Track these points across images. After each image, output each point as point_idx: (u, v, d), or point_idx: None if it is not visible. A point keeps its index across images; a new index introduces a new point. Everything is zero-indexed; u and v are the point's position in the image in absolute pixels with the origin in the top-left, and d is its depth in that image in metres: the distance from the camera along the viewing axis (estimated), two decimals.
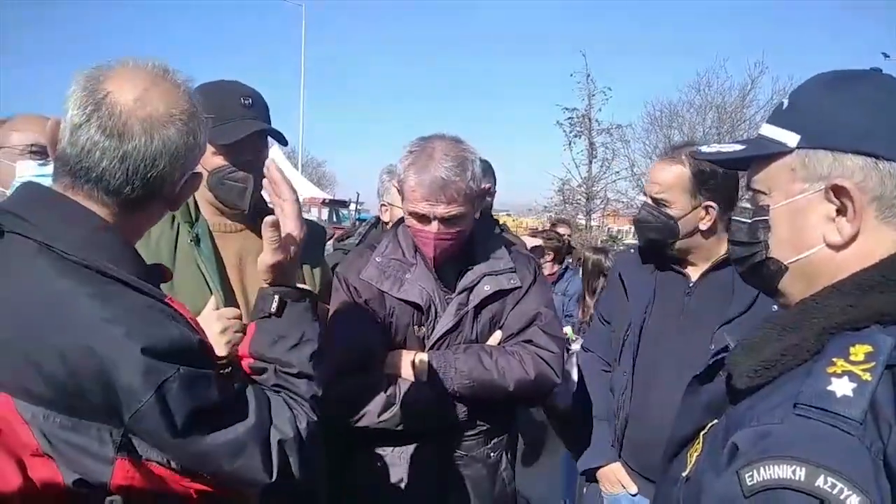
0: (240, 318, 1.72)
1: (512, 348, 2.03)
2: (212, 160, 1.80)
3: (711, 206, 2.08)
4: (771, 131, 1.01)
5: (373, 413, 1.92)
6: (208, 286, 1.75)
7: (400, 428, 1.95)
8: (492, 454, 2.11)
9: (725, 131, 19.23)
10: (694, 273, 2.20)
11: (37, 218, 1.06)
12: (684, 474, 1.06)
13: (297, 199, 1.38)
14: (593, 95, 17.48)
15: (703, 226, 2.10)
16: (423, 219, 1.93)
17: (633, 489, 2.22)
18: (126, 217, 1.13)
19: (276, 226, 1.30)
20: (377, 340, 1.99)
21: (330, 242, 3.20)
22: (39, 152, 1.99)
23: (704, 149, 1.16)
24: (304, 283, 1.83)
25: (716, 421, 1.04)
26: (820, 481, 0.74)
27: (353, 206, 20.00)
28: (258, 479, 1.10)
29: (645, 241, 2.25)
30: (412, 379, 1.97)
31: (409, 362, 1.98)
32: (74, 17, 78.66)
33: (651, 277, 2.25)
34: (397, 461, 2.02)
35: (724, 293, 2.07)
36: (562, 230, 6.68)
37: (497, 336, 2.07)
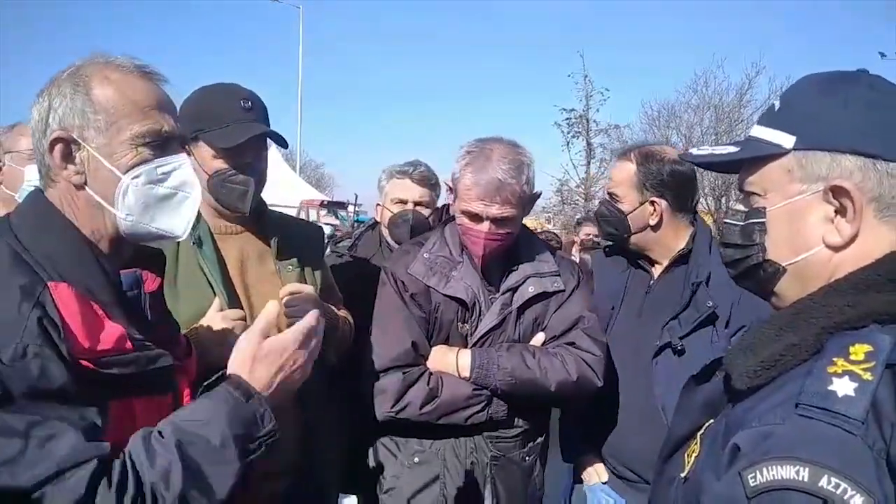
0: (244, 319, 1.73)
1: (555, 349, 2.06)
2: (212, 163, 1.82)
3: (657, 202, 2.14)
4: (764, 133, 1.01)
5: (415, 405, 1.97)
6: (212, 288, 1.75)
7: (441, 422, 2.00)
8: (527, 458, 2.15)
9: (723, 131, 19.29)
10: (657, 271, 2.24)
11: (19, 219, 1.17)
12: (682, 475, 1.06)
13: (312, 327, 1.28)
14: (591, 96, 17.60)
15: (652, 221, 2.16)
16: (476, 218, 1.98)
17: (605, 477, 2.28)
18: (71, 195, 1.19)
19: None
20: (422, 335, 2.04)
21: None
22: None
23: (695, 151, 1.15)
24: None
25: (712, 421, 1.04)
26: (824, 482, 0.74)
27: (351, 208, 19.98)
28: None
29: (605, 235, 2.33)
30: (455, 374, 2.01)
31: (452, 357, 2.02)
32: (70, 17, 78.54)
33: (624, 275, 2.31)
34: (434, 458, 2.06)
35: (680, 289, 2.12)
36: (588, 230, 6.64)
37: (540, 337, 2.10)
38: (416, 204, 2.77)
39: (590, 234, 6.51)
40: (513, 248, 2.11)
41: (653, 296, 2.21)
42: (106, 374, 1.07)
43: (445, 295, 2.04)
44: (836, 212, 0.93)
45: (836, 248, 0.94)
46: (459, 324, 2.07)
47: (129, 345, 1.12)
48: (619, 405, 2.18)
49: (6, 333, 0.99)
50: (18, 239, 1.12)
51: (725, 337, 2.03)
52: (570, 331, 2.09)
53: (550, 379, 1.99)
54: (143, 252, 1.33)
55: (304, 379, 1.28)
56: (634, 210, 2.17)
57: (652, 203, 2.15)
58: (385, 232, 2.87)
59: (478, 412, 2.01)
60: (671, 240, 2.20)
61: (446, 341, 2.08)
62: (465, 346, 2.06)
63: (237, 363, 1.21)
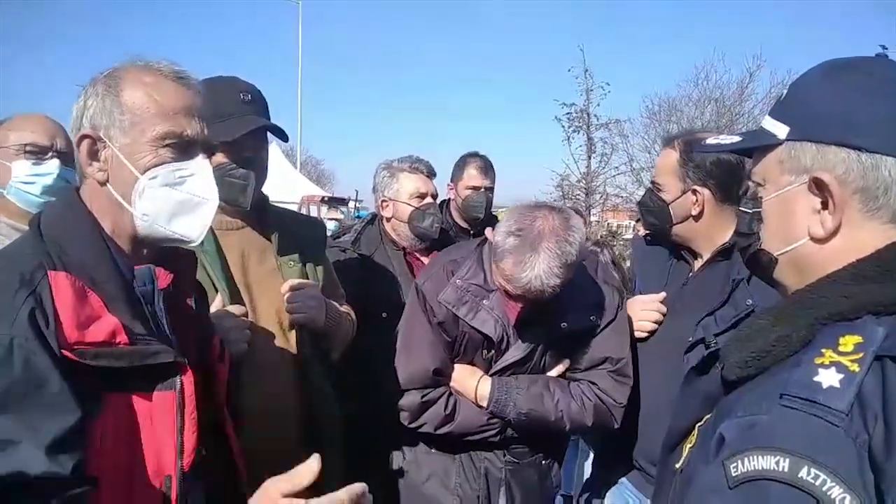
0: (246, 315, 1.74)
1: (576, 389, 2.08)
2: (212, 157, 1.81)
3: (699, 191, 2.04)
4: (768, 123, 1.01)
5: (431, 425, 2.06)
6: (213, 284, 1.75)
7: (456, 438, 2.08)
8: (543, 462, 2.21)
9: (724, 125, 19.11)
10: (698, 264, 2.16)
11: (49, 208, 1.28)
12: (678, 465, 1.07)
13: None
14: (591, 90, 17.43)
15: (694, 211, 2.06)
16: (514, 297, 1.93)
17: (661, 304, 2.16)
18: (95, 192, 1.25)
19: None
20: (446, 359, 2.09)
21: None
22: (35, 152, 1.97)
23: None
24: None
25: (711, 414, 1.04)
26: (803, 472, 0.74)
27: (352, 204, 19.96)
28: None
29: (647, 224, 2.27)
30: (473, 399, 2.07)
31: (473, 383, 2.07)
32: (63, 15, 78.35)
33: (667, 265, 2.23)
34: (450, 462, 2.14)
35: (719, 285, 2.02)
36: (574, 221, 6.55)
37: (562, 366, 2.12)
38: (433, 197, 2.85)
39: None
40: None
41: (690, 289, 2.13)
42: (93, 366, 1.08)
43: (473, 327, 2.04)
44: (823, 204, 0.92)
45: (821, 241, 0.93)
46: (484, 351, 2.08)
47: (123, 338, 1.13)
48: (649, 400, 2.13)
49: None
50: (44, 226, 1.20)
51: None
52: (595, 367, 2.08)
53: (566, 420, 2.05)
54: (176, 252, 1.35)
55: None
56: (676, 199, 2.08)
57: (694, 192, 2.05)
58: (388, 227, 2.85)
59: (492, 436, 2.09)
60: (714, 231, 2.09)
61: (471, 363, 2.12)
62: (489, 370, 2.10)
63: None
